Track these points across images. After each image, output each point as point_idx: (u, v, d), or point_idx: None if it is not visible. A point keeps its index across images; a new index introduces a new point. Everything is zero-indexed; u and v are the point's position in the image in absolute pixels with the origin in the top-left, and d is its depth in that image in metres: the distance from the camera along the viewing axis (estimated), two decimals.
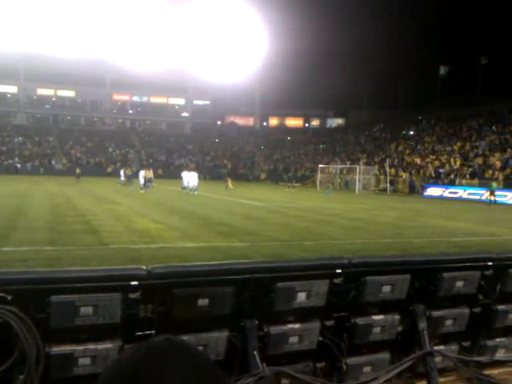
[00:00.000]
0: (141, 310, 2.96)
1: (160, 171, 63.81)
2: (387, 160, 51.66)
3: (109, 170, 62.50)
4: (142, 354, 0.84)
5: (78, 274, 2.99)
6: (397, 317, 3.63)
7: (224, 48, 74.98)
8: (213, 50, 74.95)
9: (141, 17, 70.96)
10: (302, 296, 3.28)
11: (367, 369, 3.56)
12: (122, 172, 44.68)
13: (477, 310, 3.92)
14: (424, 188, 44.95)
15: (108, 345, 2.87)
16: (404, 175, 49.62)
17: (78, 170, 48.24)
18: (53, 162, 67.41)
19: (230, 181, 45.61)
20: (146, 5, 70.23)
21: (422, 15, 66.54)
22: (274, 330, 3.25)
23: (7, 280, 2.74)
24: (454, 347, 3.90)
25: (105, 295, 2.84)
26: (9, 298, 2.64)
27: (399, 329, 3.68)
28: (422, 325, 3.63)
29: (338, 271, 3.42)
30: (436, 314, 3.74)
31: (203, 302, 3.04)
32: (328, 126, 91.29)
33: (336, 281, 3.42)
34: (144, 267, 2.99)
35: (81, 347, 2.82)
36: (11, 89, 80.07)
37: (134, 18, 70.64)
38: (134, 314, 2.93)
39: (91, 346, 2.84)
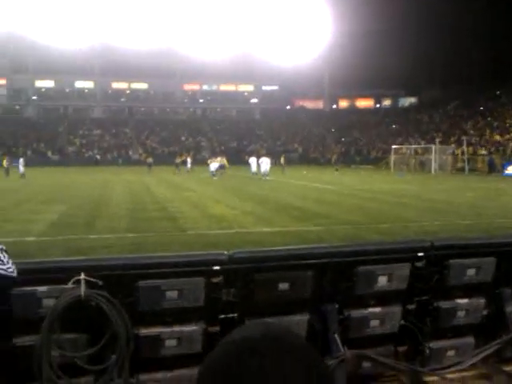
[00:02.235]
0: (223, 294, 3.04)
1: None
2: (464, 138, 49.52)
3: (183, 158, 63.87)
4: (239, 353, 0.79)
5: (163, 259, 3.11)
6: (482, 300, 3.53)
7: (290, 30, 74.53)
8: (279, 33, 74.68)
9: (206, 4, 71.84)
10: (383, 280, 3.26)
11: (451, 353, 3.49)
12: (189, 160, 45.37)
13: None
14: (505, 166, 42.81)
15: (193, 327, 2.98)
16: (483, 153, 47.46)
17: (149, 159, 47.87)
18: (130, 153, 69.92)
19: (283, 157, 45.82)
20: None
21: None
22: (355, 313, 3.25)
23: (98, 266, 2.91)
24: None
25: (189, 280, 2.94)
26: (100, 283, 2.80)
27: (484, 312, 3.57)
28: (509, 308, 3.51)
29: (420, 254, 3.36)
30: None
31: (284, 286, 3.08)
32: (400, 105, 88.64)
33: (418, 264, 3.36)
34: (225, 252, 3.06)
35: (167, 329, 2.94)
36: (88, 84, 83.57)
37: (201, 6, 71.60)
38: (217, 297, 3.02)
39: (177, 329, 2.96)
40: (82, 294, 2.73)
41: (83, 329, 2.84)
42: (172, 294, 2.91)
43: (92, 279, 2.78)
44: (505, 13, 64.35)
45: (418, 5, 64.77)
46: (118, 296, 2.82)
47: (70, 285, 2.76)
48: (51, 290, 2.77)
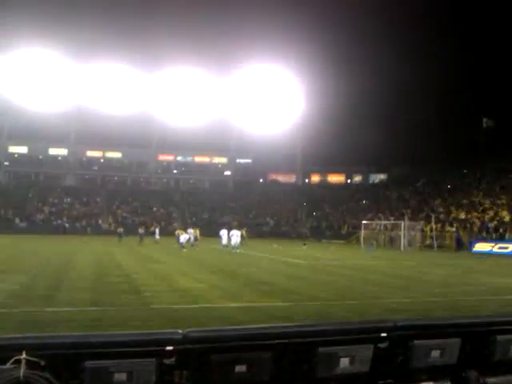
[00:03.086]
0: (176, 376, 2.88)
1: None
2: (432, 215, 50.53)
3: (152, 228, 63.42)
4: None
5: (112, 338, 2.94)
6: None
7: (264, 106, 77.12)
8: (254, 109, 77.07)
9: (187, 82, 74.22)
10: (345, 362, 3.13)
11: None
12: (157, 230, 44.79)
13: None
14: (472, 243, 43.55)
15: None
16: (450, 230, 48.29)
17: (120, 229, 47.76)
18: (99, 222, 69.05)
19: (245, 230, 44.25)
20: (190, 72, 73.44)
21: (464, 65, 65.97)
22: None
23: (41, 345, 2.72)
24: None
25: (139, 361, 2.78)
26: (42, 363, 2.61)
27: None
28: None
29: (383, 335, 3.26)
30: (491, 380, 3.50)
31: (241, 368, 2.93)
32: (371, 181, 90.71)
33: (381, 345, 3.26)
34: (180, 331, 2.92)
35: None
36: (62, 151, 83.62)
37: (178, 76, 73.87)
38: (169, 380, 2.86)
39: None
40: (21, 375, 2.53)
41: None
42: (120, 377, 2.73)
43: (34, 359, 2.59)
44: (467, 96, 67.83)
45: (389, 82, 67.78)
46: (62, 378, 2.63)
47: (8, 365, 2.56)
48: None
